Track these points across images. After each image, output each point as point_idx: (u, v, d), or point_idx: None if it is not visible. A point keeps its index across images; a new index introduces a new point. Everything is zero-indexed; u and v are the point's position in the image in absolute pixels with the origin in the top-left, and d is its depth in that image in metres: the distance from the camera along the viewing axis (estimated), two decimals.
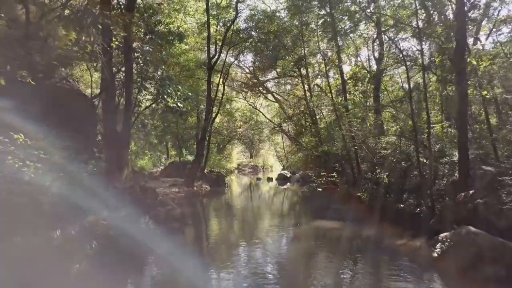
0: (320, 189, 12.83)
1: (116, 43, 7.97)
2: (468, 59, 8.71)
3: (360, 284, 5.45)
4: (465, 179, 8.30)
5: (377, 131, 13.74)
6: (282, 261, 6.77)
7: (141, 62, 10.42)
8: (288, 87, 31.63)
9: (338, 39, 16.92)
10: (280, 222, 10.92)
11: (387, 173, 10.32)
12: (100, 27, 7.36)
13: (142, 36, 10.49)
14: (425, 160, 9.35)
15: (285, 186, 22.97)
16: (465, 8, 8.78)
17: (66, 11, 9.38)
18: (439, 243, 5.83)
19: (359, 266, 6.33)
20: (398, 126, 11.55)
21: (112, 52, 7.98)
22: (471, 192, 6.79)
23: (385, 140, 11.32)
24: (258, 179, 28.91)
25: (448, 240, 5.72)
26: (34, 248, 4.78)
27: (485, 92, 8.24)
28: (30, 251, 4.70)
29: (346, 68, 22.63)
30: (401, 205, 9.23)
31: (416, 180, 10.23)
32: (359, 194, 10.86)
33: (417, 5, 8.93)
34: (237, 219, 11.53)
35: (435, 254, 5.75)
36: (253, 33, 19.70)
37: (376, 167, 11.10)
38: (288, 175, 27.34)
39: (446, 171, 10.59)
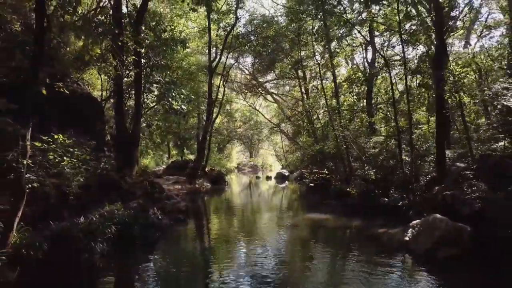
0: (312, 184, 13.69)
1: (133, 57, 8.84)
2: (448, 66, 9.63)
3: (339, 262, 6.37)
4: (442, 174, 9.22)
5: (367, 131, 14.66)
6: (274, 243, 7.65)
7: (148, 68, 11.30)
8: (287, 88, 32.57)
9: (333, 44, 17.89)
10: (276, 215, 11.80)
11: (374, 170, 11.21)
12: (120, 43, 8.20)
13: (148, 43, 11.39)
14: (407, 159, 10.24)
15: (283, 185, 23.85)
16: (443, 19, 9.68)
17: (77, 19, 10.26)
18: (410, 229, 6.73)
19: (341, 249, 7.26)
20: (386, 127, 12.43)
21: (124, 62, 8.87)
22: (443, 185, 7.69)
23: (374, 140, 12.21)
24: (257, 177, 29.82)
25: (418, 226, 6.62)
26: (66, 230, 5.68)
27: (461, 96, 9.12)
28: (63, 233, 5.60)
29: (343, 70, 23.62)
30: (386, 199, 10.14)
31: (401, 177, 11.15)
32: (348, 189, 11.75)
33: (400, 17, 9.78)
34: (236, 212, 12.44)
35: (407, 238, 6.65)
36: (252, 37, 20.60)
37: (365, 165, 12.00)
38: (286, 174, 28.25)
39: (431, 168, 11.53)
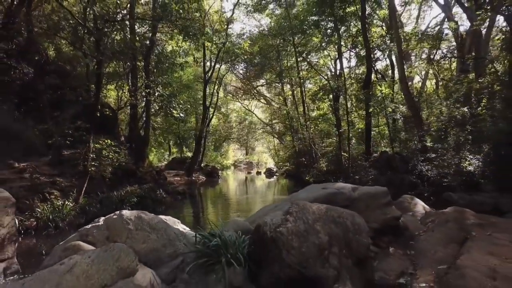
0: (277, 174, 17.14)
1: (147, 89, 12.41)
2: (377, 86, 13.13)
3: None
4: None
5: (331, 133, 18.22)
6: (245, 205, 11.20)
7: (152, 85, 14.71)
8: (278, 90, 36.09)
9: (309, 56, 21.53)
10: (252, 195, 15.38)
11: (326, 164, 14.76)
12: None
13: (154, 66, 14.92)
14: (346, 155, 13.79)
15: (271, 179, 27.36)
16: (371, 52, 13.15)
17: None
18: None
19: None
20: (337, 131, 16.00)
21: (136, 85, 12.45)
22: (357, 173, 11.24)
23: (329, 141, 15.76)
24: (249, 173, 33.38)
25: None
26: (109, 198, 9.26)
27: (381, 109, 12.61)
28: (107, 199, 9.19)
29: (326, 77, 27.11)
30: None
31: (346, 168, 14.71)
32: (307, 178, 15.30)
33: (341, 48, 13.24)
34: (223, 195, 16.04)
35: None
36: (241, 51, 24.11)
37: (320, 159, 15.53)
38: (275, 169, 31.76)
39: None
